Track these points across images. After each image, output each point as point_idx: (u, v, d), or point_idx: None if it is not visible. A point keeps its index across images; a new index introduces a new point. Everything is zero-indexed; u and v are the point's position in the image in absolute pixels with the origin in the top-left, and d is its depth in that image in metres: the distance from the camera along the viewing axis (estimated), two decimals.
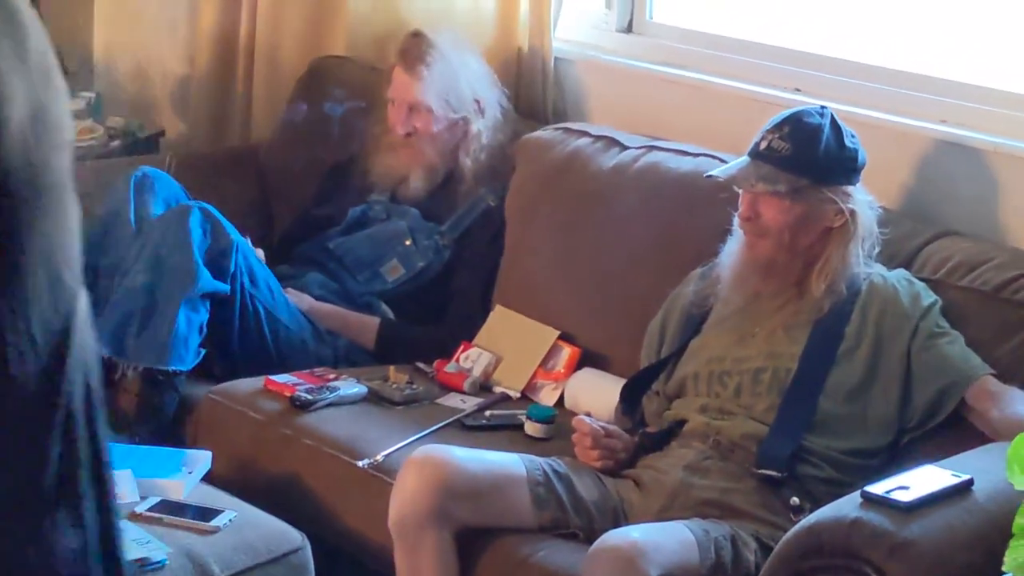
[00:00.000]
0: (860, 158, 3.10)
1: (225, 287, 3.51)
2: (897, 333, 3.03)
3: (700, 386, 3.15)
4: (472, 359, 3.63)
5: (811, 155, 3.04)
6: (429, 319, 3.79)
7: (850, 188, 3.08)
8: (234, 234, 3.56)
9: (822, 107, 3.13)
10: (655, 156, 3.63)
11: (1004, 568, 2.20)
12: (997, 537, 2.28)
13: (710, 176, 3.20)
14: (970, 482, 2.57)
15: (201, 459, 3.21)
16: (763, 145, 3.08)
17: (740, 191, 3.12)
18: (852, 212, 3.06)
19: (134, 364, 3.42)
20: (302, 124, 4.24)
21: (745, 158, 3.12)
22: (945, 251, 3.21)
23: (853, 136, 3.10)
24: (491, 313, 3.73)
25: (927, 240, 3.26)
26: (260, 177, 4.34)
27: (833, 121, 3.08)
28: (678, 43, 3.98)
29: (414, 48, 3.83)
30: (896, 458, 2.98)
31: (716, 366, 3.14)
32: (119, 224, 3.61)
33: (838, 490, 2.84)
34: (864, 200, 3.10)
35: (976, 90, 3.47)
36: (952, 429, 2.98)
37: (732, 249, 3.18)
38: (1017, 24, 3.50)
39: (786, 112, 3.12)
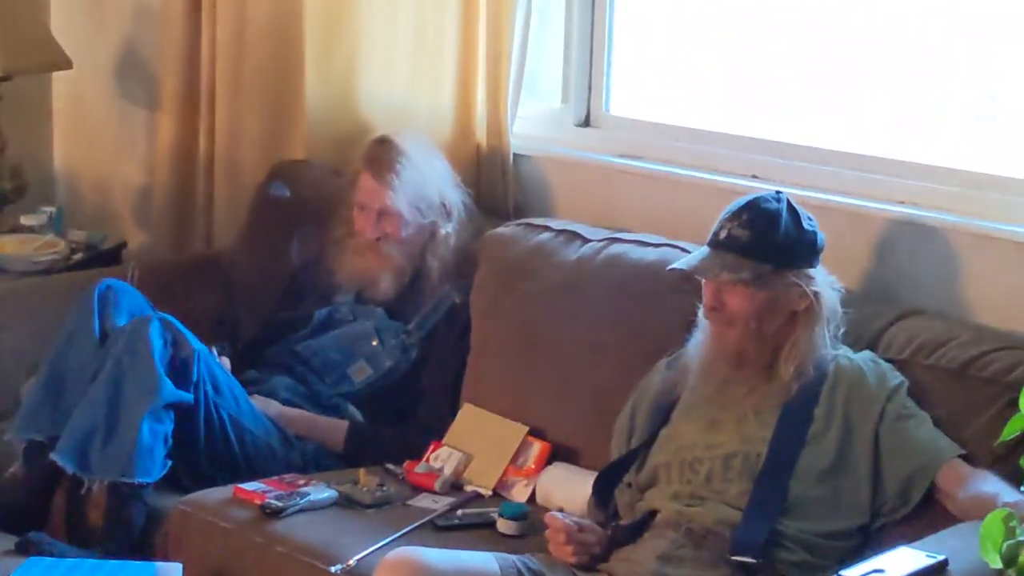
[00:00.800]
0: (819, 240, 3.11)
1: (188, 396, 3.49)
2: (865, 415, 3.03)
3: (672, 474, 3.14)
4: (442, 458, 3.61)
5: (771, 240, 3.05)
6: (398, 419, 3.77)
7: (812, 271, 3.09)
8: (195, 343, 3.54)
9: (777, 192, 3.14)
10: (617, 248, 3.64)
11: None
12: None
13: (673, 268, 3.20)
14: (945, 563, 2.56)
15: (172, 572, 3.17)
16: (723, 234, 3.09)
17: (704, 281, 3.12)
18: (816, 294, 3.07)
19: (100, 478, 3.40)
20: (276, 213, 4.23)
21: (705, 248, 3.12)
22: (910, 331, 3.22)
23: (810, 219, 3.11)
24: (460, 411, 3.71)
25: (891, 321, 3.27)
26: (224, 284, 4.32)
27: (790, 205, 3.10)
28: (636, 135, 4.01)
29: (383, 155, 3.84)
30: (870, 539, 2.97)
31: (687, 454, 3.13)
32: (84, 337, 3.59)
33: (811, 574, 2.83)
34: (826, 281, 3.11)
35: (932, 170, 3.50)
36: (926, 509, 2.98)
37: (699, 340, 3.17)
38: (970, 104, 3.53)
39: (742, 200, 3.13)
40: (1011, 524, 2.26)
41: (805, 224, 3.09)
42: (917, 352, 3.16)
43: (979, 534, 2.28)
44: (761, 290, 3.05)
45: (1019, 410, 2.26)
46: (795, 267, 3.07)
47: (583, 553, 3.07)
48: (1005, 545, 2.22)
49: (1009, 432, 2.27)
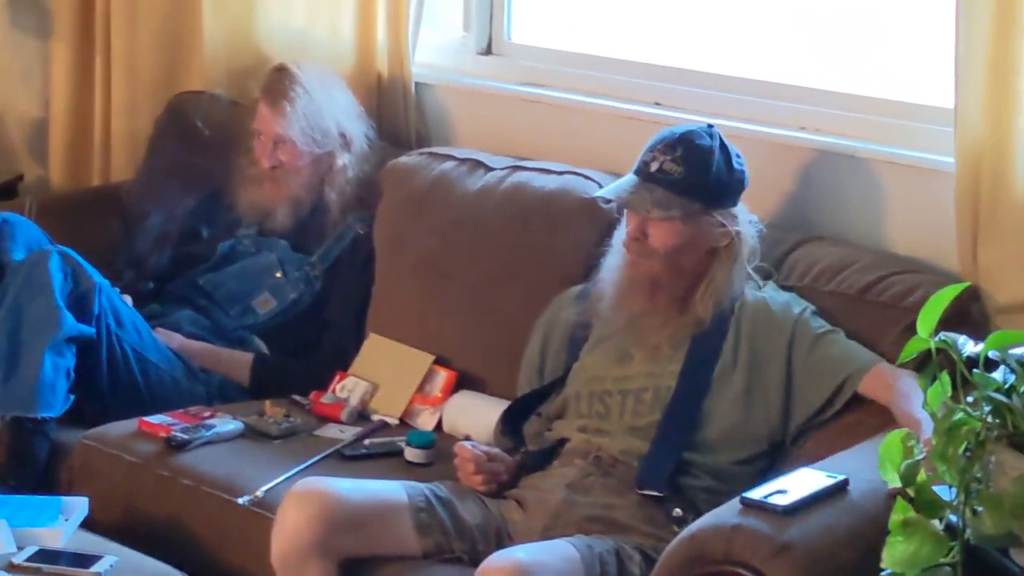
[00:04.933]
0: (746, 180, 3.12)
1: (90, 330, 3.46)
2: (772, 344, 3.05)
3: (581, 406, 3.15)
4: (348, 388, 3.61)
5: (703, 179, 3.04)
6: (303, 351, 3.76)
7: (735, 209, 3.10)
8: (96, 276, 3.51)
9: (710, 126, 3.12)
10: (520, 176, 3.64)
11: (882, 565, 2.22)
12: (874, 535, 2.30)
13: (600, 197, 3.19)
14: (846, 482, 2.60)
15: (78, 505, 3.15)
16: (654, 166, 3.05)
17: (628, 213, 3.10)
18: (738, 233, 3.08)
19: (1, 414, 3.37)
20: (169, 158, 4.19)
21: (633, 177, 3.09)
22: (810, 257, 3.25)
23: (739, 156, 3.11)
24: (365, 341, 3.71)
25: (791, 247, 3.29)
26: (123, 217, 4.27)
27: (722, 143, 3.09)
28: (538, 63, 4.00)
29: (277, 84, 3.82)
30: (776, 462, 3.01)
31: (596, 386, 3.14)
32: None
33: (719, 499, 2.85)
34: (747, 219, 3.12)
35: (832, 95, 3.52)
36: (828, 429, 3.01)
37: (613, 265, 3.15)
38: (869, 29, 3.56)
39: (675, 131, 3.09)
40: (909, 444, 2.30)
41: (735, 163, 3.09)
42: (817, 278, 3.19)
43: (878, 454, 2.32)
44: (687, 227, 3.05)
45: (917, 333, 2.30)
46: (722, 207, 3.07)
47: (492, 482, 3.09)
48: (904, 464, 2.26)
49: (907, 354, 2.30)
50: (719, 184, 3.06)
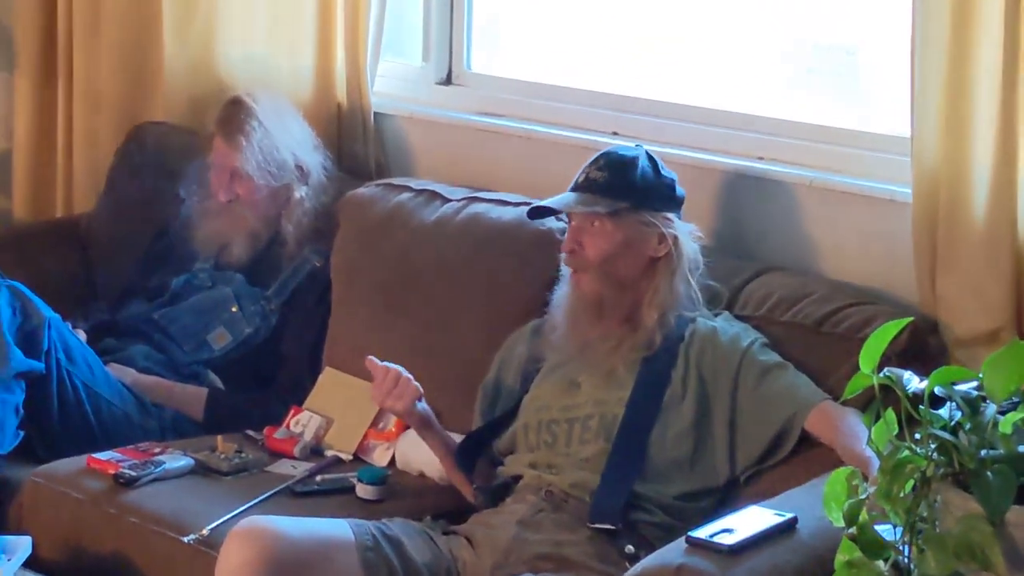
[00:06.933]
0: (678, 189, 3.12)
1: (40, 365, 3.41)
2: (720, 375, 3.01)
3: (530, 438, 3.12)
4: (303, 423, 3.56)
5: (628, 180, 3.07)
6: (258, 386, 3.72)
7: (671, 215, 3.08)
8: (46, 311, 3.46)
9: (637, 144, 3.17)
10: (476, 207, 3.60)
11: None
12: (822, 574, 2.26)
13: (531, 207, 3.19)
14: (794, 520, 2.56)
15: (21, 545, 3.10)
16: (581, 178, 3.11)
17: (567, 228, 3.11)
18: (675, 238, 3.07)
19: None
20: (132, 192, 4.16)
21: (566, 192, 3.13)
22: (766, 288, 3.21)
23: (668, 170, 3.13)
24: (320, 375, 3.66)
25: (748, 278, 3.26)
26: (83, 250, 4.23)
27: (648, 154, 3.12)
28: (498, 93, 3.97)
29: (232, 117, 3.78)
30: (727, 498, 2.96)
31: (544, 415, 3.11)
32: None
33: (670, 535, 2.82)
34: (685, 229, 3.10)
35: (789, 125, 3.49)
36: (784, 463, 2.96)
37: (561, 294, 3.15)
38: (825, 59, 3.53)
39: (602, 150, 3.15)
40: (854, 483, 2.25)
41: (662, 171, 3.11)
42: (774, 309, 3.15)
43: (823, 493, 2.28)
44: (618, 228, 3.05)
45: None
46: (652, 208, 3.07)
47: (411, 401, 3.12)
48: (847, 504, 2.22)
49: (851, 390, 2.26)
50: (645, 184, 3.07)
